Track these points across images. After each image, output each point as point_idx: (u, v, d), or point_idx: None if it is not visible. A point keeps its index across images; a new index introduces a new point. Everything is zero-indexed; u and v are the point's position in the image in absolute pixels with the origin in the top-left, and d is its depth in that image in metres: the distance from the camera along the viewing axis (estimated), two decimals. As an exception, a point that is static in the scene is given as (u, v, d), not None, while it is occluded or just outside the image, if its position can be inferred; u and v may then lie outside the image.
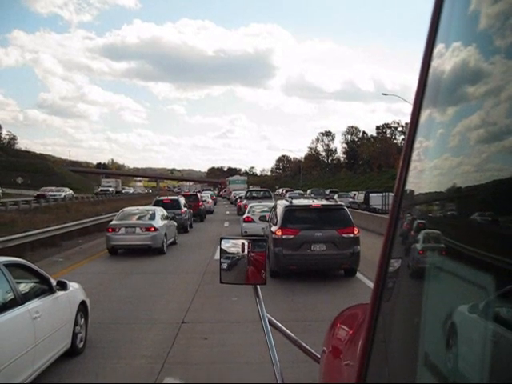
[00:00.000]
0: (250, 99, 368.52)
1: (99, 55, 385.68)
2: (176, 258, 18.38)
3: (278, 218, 13.74)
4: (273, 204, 26.29)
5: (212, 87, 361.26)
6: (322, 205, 14.05)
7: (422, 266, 1.10)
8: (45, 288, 6.89)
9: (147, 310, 10.57)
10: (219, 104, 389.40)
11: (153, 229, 18.70)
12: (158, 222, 19.35)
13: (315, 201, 15.22)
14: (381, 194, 44.35)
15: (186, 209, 28.32)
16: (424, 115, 1.11)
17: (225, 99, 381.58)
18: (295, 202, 14.74)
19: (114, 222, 19.49)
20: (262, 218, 18.66)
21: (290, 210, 13.57)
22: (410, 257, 1.15)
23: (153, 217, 19.62)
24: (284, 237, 12.98)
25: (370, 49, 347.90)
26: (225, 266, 2.63)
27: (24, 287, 6.35)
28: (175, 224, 22.51)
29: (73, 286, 8.00)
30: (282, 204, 14.46)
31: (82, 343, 7.89)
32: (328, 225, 13.11)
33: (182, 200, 29.23)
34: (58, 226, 23.22)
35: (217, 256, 16.75)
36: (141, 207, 22.41)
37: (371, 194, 46.26)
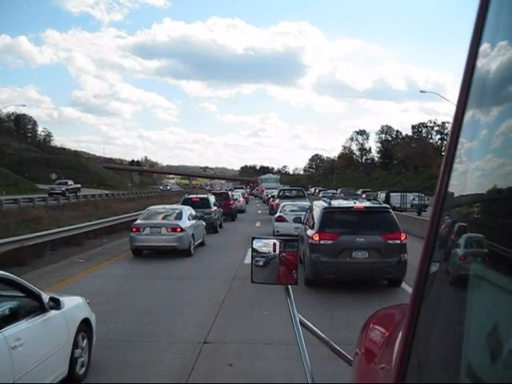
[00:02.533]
0: (281, 98, 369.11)
1: (130, 53, 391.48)
2: (203, 260, 17.15)
3: (315, 220, 12.64)
4: (306, 203, 26.00)
5: (243, 85, 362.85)
6: (365, 207, 12.85)
7: (464, 273, 1.04)
8: (34, 307, 5.64)
9: (166, 325, 9.32)
10: (250, 102, 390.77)
11: (179, 229, 17.50)
12: (185, 222, 18.16)
13: (357, 202, 14.03)
14: (400, 194, 46.80)
15: (215, 208, 27.16)
16: (467, 116, 1.08)
17: (256, 98, 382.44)
18: (334, 203, 13.56)
19: (138, 222, 18.36)
20: (297, 220, 17.42)
21: (328, 212, 12.44)
22: (451, 262, 1.13)
23: (180, 216, 18.43)
24: (322, 242, 11.86)
25: (401, 47, 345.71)
26: (256, 265, 2.63)
27: (2, 309, 5.11)
28: (204, 224, 21.31)
29: (74, 301, 6.77)
30: (319, 205, 13.34)
31: (84, 368, 6.64)
32: (371, 229, 11.97)
33: (212, 198, 28.09)
34: (81, 224, 22.21)
35: (247, 259, 15.68)
36: (167, 206, 21.21)
37: (391, 194, 47.58)
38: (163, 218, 18.41)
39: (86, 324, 6.80)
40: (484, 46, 1.03)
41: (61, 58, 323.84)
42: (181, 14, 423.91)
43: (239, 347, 8.14)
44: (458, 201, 1.13)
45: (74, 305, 6.63)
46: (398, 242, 11.84)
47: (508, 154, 0.89)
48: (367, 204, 13.46)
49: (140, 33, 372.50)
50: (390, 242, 11.77)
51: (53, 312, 5.86)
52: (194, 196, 28.69)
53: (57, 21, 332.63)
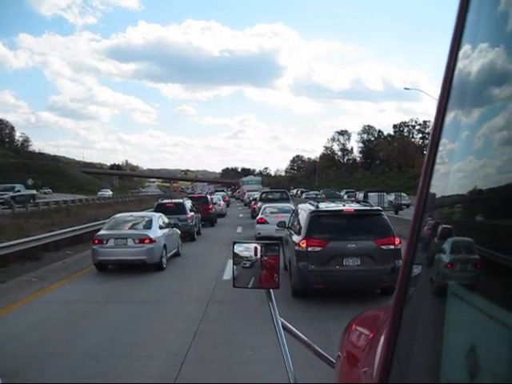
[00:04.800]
0: (258, 100, 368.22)
1: (106, 57, 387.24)
2: (176, 276, 14.86)
3: (302, 225, 11.63)
4: (289, 205, 24.44)
5: (220, 88, 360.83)
6: (356, 210, 11.92)
7: (451, 283, 1.02)
8: None
9: (117, 375, 7.08)
10: (229, 105, 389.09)
11: (148, 240, 15.20)
12: (156, 232, 15.87)
13: (346, 205, 13.06)
14: (377, 194, 47.19)
15: (192, 213, 24.90)
16: (449, 117, 1.10)
17: (234, 100, 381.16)
18: (322, 206, 12.46)
19: (101, 232, 16.01)
20: (281, 224, 15.74)
21: (316, 217, 11.44)
22: (434, 268, 1.10)
23: (149, 225, 16.12)
24: (310, 249, 10.91)
25: (377, 47, 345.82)
26: (237, 270, 2.64)
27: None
28: (178, 232, 18.99)
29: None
30: (305, 209, 12.29)
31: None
32: (363, 234, 11.14)
33: (188, 203, 25.77)
34: (41, 235, 19.82)
35: (226, 274, 13.75)
36: (136, 213, 18.71)
37: (369, 194, 47.77)
38: (130, 228, 16.09)
39: None
40: (465, 48, 1.04)
41: (36, 62, 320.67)
42: (155, 16, 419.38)
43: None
44: (441, 202, 1.13)
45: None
46: (392, 246, 10.88)
47: (489, 156, 0.90)
48: (357, 207, 12.61)
49: (115, 36, 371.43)
50: (384, 247, 10.86)
51: None
52: (168, 201, 26.24)
53: (30, 25, 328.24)
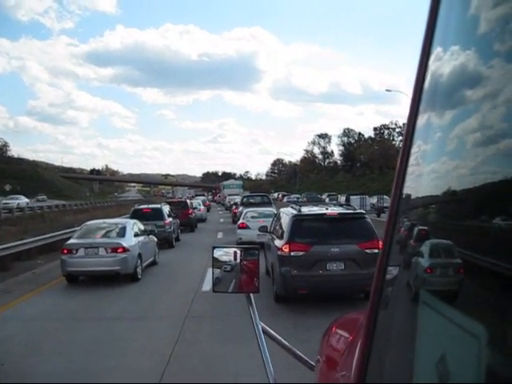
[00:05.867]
0: (238, 104, 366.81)
1: (84, 61, 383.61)
2: (152, 288, 13.80)
3: (284, 229, 11.49)
4: (271, 209, 23.51)
5: (199, 92, 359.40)
6: (339, 213, 11.73)
7: (422, 291, 1.02)
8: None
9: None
10: (208, 109, 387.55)
11: (121, 249, 14.14)
12: (130, 240, 14.81)
13: (329, 208, 12.65)
14: (359, 197, 48.75)
15: (171, 219, 23.87)
16: (421, 119, 1.11)
17: (213, 104, 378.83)
18: (304, 209, 12.22)
19: (71, 241, 14.91)
20: (263, 229, 15.40)
21: (298, 221, 11.28)
22: (412, 273, 1.09)
23: (122, 233, 15.05)
24: (292, 254, 10.73)
25: (355, 51, 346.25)
26: (217, 275, 2.62)
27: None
28: (155, 240, 17.90)
29: None
30: (287, 213, 12.10)
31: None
32: (346, 238, 10.99)
33: (166, 208, 24.71)
34: (9, 243, 18.69)
35: (205, 285, 12.74)
36: (109, 220, 17.46)
37: (351, 197, 49.06)
38: (102, 236, 14.99)
39: None
40: (436, 50, 1.05)
41: (14, 67, 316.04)
42: (133, 20, 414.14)
43: None
44: (415, 203, 1.13)
45: None
46: (376, 250, 10.51)
47: (462, 157, 0.91)
48: (341, 210, 12.32)
49: (93, 40, 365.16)
50: (368, 251, 10.67)
51: None
52: (145, 207, 25.12)
53: (7, 29, 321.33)
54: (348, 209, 12.76)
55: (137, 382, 6.98)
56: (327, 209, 12.48)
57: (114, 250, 14.08)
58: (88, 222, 16.60)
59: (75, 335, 9.39)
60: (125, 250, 14.17)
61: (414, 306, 1.03)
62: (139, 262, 14.95)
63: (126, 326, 9.98)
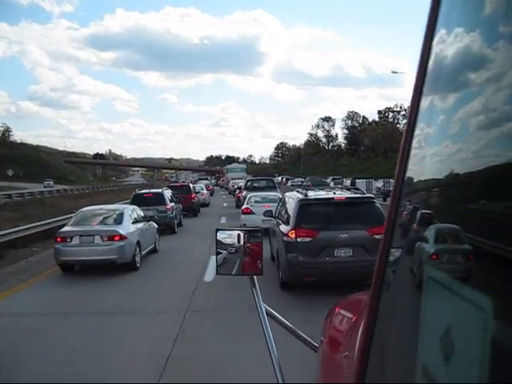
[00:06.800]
0: (240, 87, 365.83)
1: (85, 45, 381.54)
2: (151, 278, 13.04)
3: (290, 215, 11.09)
4: (275, 194, 22.97)
5: (201, 76, 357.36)
6: (347, 197, 11.40)
7: (437, 276, 0.96)
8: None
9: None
10: (210, 93, 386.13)
11: (118, 237, 13.34)
12: (127, 227, 14.02)
13: (337, 192, 12.28)
14: (365, 180, 48.05)
15: (173, 204, 23.11)
16: (424, 102, 1.10)
17: (215, 87, 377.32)
18: (311, 194, 11.86)
19: (65, 229, 14.11)
20: (268, 214, 14.77)
21: (305, 205, 10.88)
22: (415, 259, 1.08)
23: (119, 220, 14.25)
24: (299, 240, 10.36)
25: (358, 34, 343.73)
26: (221, 258, 2.61)
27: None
28: (155, 226, 17.08)
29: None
30: (293, 197, 11.68)
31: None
32: (355, 223, 10.55)
33: (168, 193, 23.92)
34: (5, 231, 17.97)
35: (208, 275, 11.97)
36: (106, 206, 16.58)
37: (357, 180, 48.07)
38: (98, 223, 14.19)
39: None
40: (440, 33, 1.04)
41: (14, 52, 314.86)
42: (133, 4, 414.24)
43: None
44: (417, 186, 1.14)
45: None
46: None
47: (465, 140, 0.90)
48: (349, 194, 11.99)
49: (93, 24, 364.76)
50: (377, 236, 9.82)
51: None
52: (146, 191, 24.31)
53: (6, 13, 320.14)
54: (356, 193, 12.44)
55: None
56: (335, 193, 12.09)
57: (111, 238, 13.28)
58: (84, 209, 15.77)
59: (64, 333, 8.61)
60: (122, 237, 13.38)
61: (418, 285, 1.01)
62: (138, 250, 14.16)
63: (120, 322, 9.18)
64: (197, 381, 6.38)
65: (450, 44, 1.00)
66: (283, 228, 11.21)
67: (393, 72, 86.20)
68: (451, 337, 0.83)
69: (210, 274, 12.40)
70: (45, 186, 78.31)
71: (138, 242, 14.24)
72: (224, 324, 8.83)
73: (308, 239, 10.34)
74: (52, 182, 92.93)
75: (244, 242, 2.55)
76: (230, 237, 2.62)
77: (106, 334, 8.45)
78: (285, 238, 10.67)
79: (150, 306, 10.23)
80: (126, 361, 7.20)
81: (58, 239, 13.42)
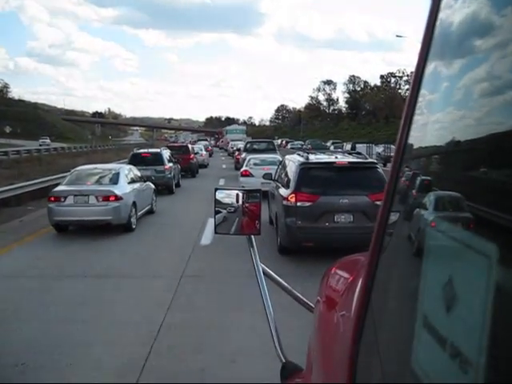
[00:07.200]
0: (241, 47, 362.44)
1: (84, 1, 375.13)
2: (146, 240, 12.70)
3: (291, 178, 10.88)
4: (275, 156, 22.70)
5: (202, 35, 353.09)
6: (349, 162, 11.07)
7: (434, 244, 0.96)
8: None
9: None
10: (211, 52, 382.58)
11: (114, 197, 12.94)
12: (123, 188, 13.60)
13: (339, 157, 11.90)
14: (366, 145, 47.41)
15: (171, 164, 22.68)
16: (429, 68, 1.09)
17: (216, 47, 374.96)
18: (312, 157, 11.53)
19: (58, 188, 13.70)
20: (267, 176, 14.72)
21: (306, 169, 10.64)
22: (413, 225, 1.08)
23: (115, 180, 13.81)
24: (299, 204, 10.20)
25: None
26: (219, 217, 2.60)
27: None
28: (152, 187, 16.63)
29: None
30: (294, 160, 11.44)
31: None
32: (356, 188, 10.37)
33: (166, 153, 23.46)
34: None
35: (205, 238, 11.68)
36: (101, 165, 16.06)
37: (357, 145, 47.24)
38: (93, 183, 13.76)
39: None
40: None
41: (12, 7, 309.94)
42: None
43: None
44: (419, 152, 1.14)
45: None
46: None
47: (469, 107, 0.89)
48: (351, 159, 11.64)
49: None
50: (379, 203, 8.35)
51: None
52: (144, 151, 23.82)
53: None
54: (358, 158, 12.12)
55: (118, 358, 5.90)
56: (337, 157, 11.75)
57: (106, 199, 12.88)
58: (79, 168, 15.32)
59: (52, 297, 8.25)
60: (117, 198, 12.98)
61: (419, 248, 1.01)
62: (133, 211, 13.79)
63: (112, 286, 8.83)
64: (189, 355, 6.05)
65: (456, 10, 0.98)
66: (283, 191, 11.01)
67: (397, 36, 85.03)
68: (454, 285, 0.81)
69: (207, 237, 12.08)
70: (40, 145, 73.98)
71: (134, 203, 13.87)
72: (219, 291, 8.49)
73: (308, 204, 10.16)
74: (48, 140, 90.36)
75: (242, 202, 2.55)
76: (228, 196, 2.59)
77: (95, 300, 8.10)
78: (284, 202, 10.47)
79: (143, 269, 9.88)
80: (116, 329, 6.87)
81: (52, 199, 13.02)
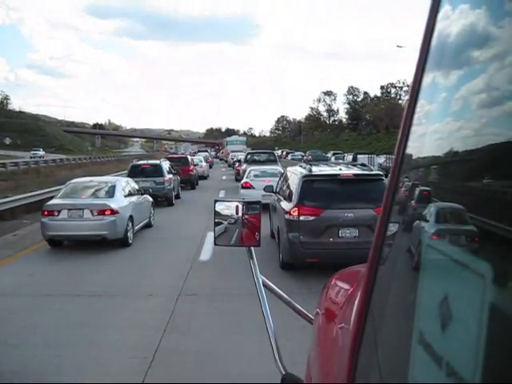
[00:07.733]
0: (240, 59, 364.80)
1: (85, 13, 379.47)
2: (143, 256, 12.21)
3: (293, 191, 10.56)
4: (276, 168, 22.37)
5: (200, 45, 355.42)
6: (354, 174, 10.71)
7: (431, 259, 0.95)
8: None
9: None
10: (211, 62, 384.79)
11: (110, 211, 12.47)
12: (120, 201, 13.15)
13: (343, 168, 11.41)
14: (367, 156, 47.51)
15: (171, 175, 22.32)
16: (427, 78, 1.09)
17: (215, 59, 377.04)
18: (315, 169, 11.09)
19: (52, 202, 13.24)
20: (268, 189, 14.41)
21: (309, 182, 10.31)
22: (414, 237, 1.06)
23: (111, 192, 13.34)
24: (302, 218, 9.84)
25: (361, 8, 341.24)
26: (219, 229, 2.60)
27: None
28: (150, 200, 16.18)
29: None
30: (296, 172, 11.10)
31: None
32: (362, 202, 9.95)
33: (166, 164, 23.10)
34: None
35: (204, 253, 11.20)
36: (97, 178, 15.54)
37: (359, 156, 47.21)
38: (88, 196, 13.29)
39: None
40: (444, 9, 1.03)
41: (13, 19, 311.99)
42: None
43: None
44: (417, 163, 1.14)
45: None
46: None
47: (467, 117, 0.90)
48: (356, 171, 11.25)
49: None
50: None
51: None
52: (144, 162, 23.53)
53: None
54: (363, 169, 11.68)
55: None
56: (341, 169, 11.32)
57: (101, 213, 12.42)
58: (74, 180, 14.84)
59: (42, 317, 7.78)
60: (113, 212, 12.51)
61: (417, 260, 1.01)
62: (130, 225, 13.32)
63: (105, 305, 8.35)
64: (188, 380, 5.59)
65: (454, 21, 0.99)
66: (285, 205, 10.67)
67: (398, 46, 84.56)
68: (449, 303, 0.81)
69: (206, 252, 11.62)
70: (31, 157, 67.49)
71: (131, 217, 13.39)
72: (220, 311, 8.01)
73: (311, 218, 9.82)
74: (41, 151, 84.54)
75: (242, 214, 2.52)
76: (228, 208, 2.58)
77: (87, 321, 7.60)
78: (286, 216, 10.11)
79: (139, 288, 9.39)
80: (108, 354, 6.39)
81: (45, 213, 12.56)
